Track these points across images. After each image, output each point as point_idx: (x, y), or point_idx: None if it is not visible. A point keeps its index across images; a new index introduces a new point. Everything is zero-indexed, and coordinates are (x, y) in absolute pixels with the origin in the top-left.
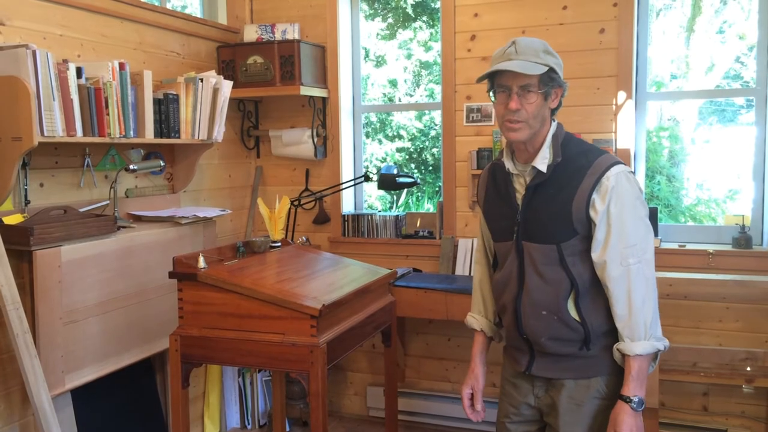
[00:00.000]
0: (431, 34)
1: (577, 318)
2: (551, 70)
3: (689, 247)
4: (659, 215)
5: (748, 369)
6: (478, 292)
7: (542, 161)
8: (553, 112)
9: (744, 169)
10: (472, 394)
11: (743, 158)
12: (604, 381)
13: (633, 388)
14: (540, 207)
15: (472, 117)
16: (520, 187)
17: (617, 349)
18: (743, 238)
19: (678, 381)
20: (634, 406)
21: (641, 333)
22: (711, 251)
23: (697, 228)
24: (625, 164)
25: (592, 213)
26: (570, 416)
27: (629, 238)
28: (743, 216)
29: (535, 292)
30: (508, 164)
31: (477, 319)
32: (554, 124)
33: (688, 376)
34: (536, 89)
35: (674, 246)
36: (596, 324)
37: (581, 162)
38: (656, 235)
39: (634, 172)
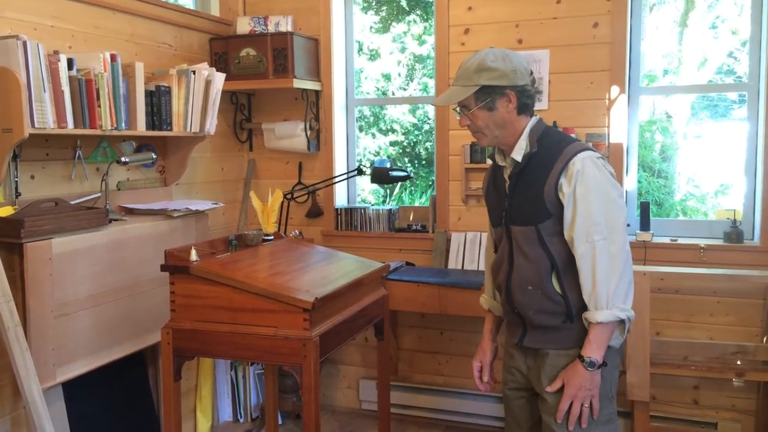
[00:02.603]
0: (425, 27)
1: (559, 291)
2: (482, 87)
3: (681, 241)
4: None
5: (739, 363)
6: (488, 276)
7: (518, 152)
8: (527, 109)
9: (736, 163)
10: (482, 368)
11: (735, 153)
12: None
13: (588, 350)
14: (521, 193)
15: None
16: (507, 177)
17: (584, 318)
18: (734, 233)
19: (669, 375)
20: (586, 365)
21: (603, 303)
22: (702, 246)
23: (688, 222)
24: (595, 151)
25: (560, 195)
26: (550, 382)
27: (594, 217)
28: (734, 211)
29: (522, 269)
30: (498, 158)
31: (486, 299)
32: (533, 120)
33: (679, 370)
34: (473, 106)
35: (666, 240)
36: (576, 297)
37: (554, 151)
38: (648, 229)
39: (604, 158)
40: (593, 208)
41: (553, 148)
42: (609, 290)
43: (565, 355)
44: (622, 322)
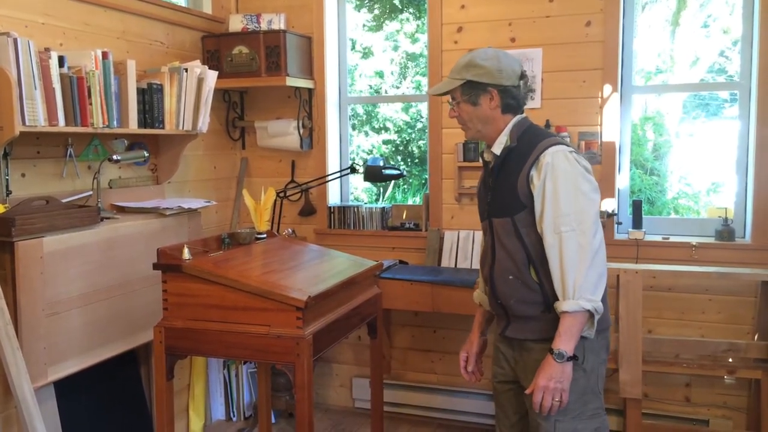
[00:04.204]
0: (418, 26)
1: (536, 280)
2: (468, 81)
3: (673, 239)
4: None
5: (730, 360)
6: (481, 271)
7: (498, 146)
8: (510, 109)
9: (727, 162)
10: (468, 358)
11: (727, 151)
12: None
13: (558, 342)
14: (500, 186)
15: None
16: (490, 171)
17: (555, 308)
18: (726, 231)
19: (661, 372)
20: (555, 356)
21: (570, 293)
22: (694, 244)
23: (680, 221)
24: (568, 145)
25: (531, 187)
26: (534, 375)
27: (562, 209)
28: (726, 209)
29: (502, 260)
30: (486, 154)
31: (478, 294)
32: (516, 118)
33: (671, 368)
34: (460, 99)
35: (658, 238)
36: (552, 287)
37: (530, 145)
38: (640, 227)
39: (577, 152)
40: (561, 200)
41: (531, 143)
42: (576, 281)
43: (544, 349)
44: (592, 315)
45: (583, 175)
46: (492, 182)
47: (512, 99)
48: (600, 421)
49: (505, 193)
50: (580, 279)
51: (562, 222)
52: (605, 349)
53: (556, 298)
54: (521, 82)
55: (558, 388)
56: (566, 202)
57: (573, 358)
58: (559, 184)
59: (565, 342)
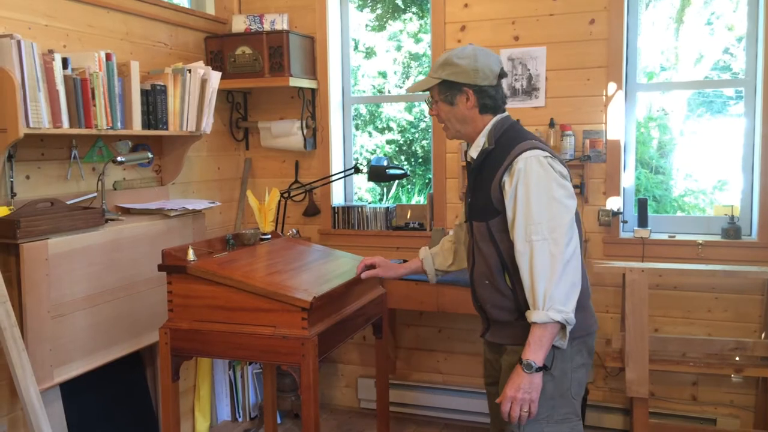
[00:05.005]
0: (421, 25)
1: (509, 286)
2: (443, 81)
3: (679, 237)
4: (648, 204)
5: (737, 359)
6: (442, 243)
7: (476, 149)
8: (488, 109)
9: (733, 159)
10: (374, 265)
11: (732, 149)
12: None
13: (527, 352)
14: (478, 189)
15: None
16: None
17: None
18: (732, 229)
19: (668, 371)
20: (524, 367)
21: (540, 303)
22: (700, 242)
23: (686, 219)
24: (544, 149)
25: (503, 193)
26: (506, 378)
27: (533, 217)
28: (732, 207)
29: (479, 265)
30: (469, 155)
31: (422, 250)
32: (496, 118)
33: (678, 366)
34: (437, 98)
35: (664, 237)
36: (524, 294)
37: (507, 149)
38: (646, 225)
39: (554, 157)
40: (533, 207)
41: (508, 146)
42: (546, 291)
43: (520, 352)
44: (551, 321)
45: (557, 180)
46: (472, 184)
47: (489, 99)
48: (570, 426)
49: (482, 197)
50: (550, 289)
51: (534, 230)
52: (582, 353)
53: (528, 306)
54: (500, 81)
55: (526, 399)
56: (538, 210)
57: (543, 368)
58: (531, 191)
59: (533, 353)
